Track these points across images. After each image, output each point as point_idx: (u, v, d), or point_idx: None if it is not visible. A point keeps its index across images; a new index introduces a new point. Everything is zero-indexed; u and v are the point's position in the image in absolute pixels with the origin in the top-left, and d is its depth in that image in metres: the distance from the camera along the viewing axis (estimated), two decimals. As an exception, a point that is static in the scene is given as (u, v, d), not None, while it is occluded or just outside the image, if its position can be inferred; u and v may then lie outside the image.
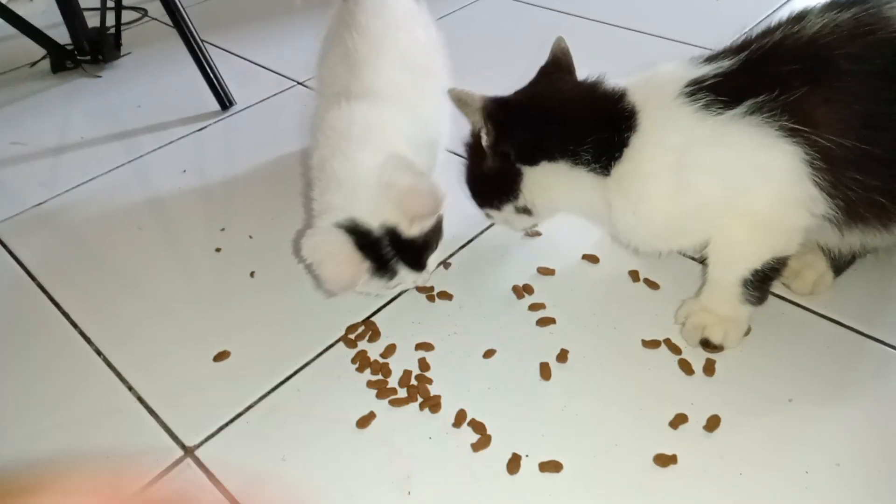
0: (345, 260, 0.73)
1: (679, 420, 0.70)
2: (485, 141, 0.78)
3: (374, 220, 0.74)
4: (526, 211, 0.81)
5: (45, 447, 0.74)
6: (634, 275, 0.87)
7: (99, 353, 0.84)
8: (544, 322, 0.82)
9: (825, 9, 0.68)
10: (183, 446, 0.73)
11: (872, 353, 0.75)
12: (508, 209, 0.81)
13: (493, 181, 0.80)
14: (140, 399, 0.78)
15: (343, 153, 0.77)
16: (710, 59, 0.72)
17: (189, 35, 1.26)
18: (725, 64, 0.69)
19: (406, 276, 0.77)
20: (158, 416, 0.76)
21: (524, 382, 0.76)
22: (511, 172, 0.78)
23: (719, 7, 1.48)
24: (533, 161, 0.76)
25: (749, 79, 0.67)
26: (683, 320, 0.78)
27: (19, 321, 0.90)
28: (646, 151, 0.70)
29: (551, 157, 0.75)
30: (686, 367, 0.75)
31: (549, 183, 0.77)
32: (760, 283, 0.73)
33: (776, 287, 0.81)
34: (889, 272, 0.83)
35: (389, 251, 0.75)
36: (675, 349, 0.77)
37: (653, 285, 0.85)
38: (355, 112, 0.80)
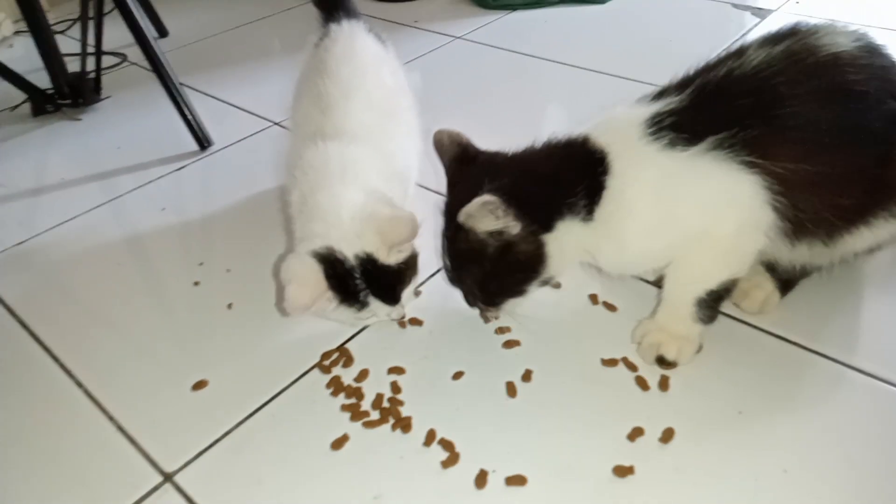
0: (307, 284, 0.77)
1: (636, 433, 0.74)
2: (514, 229, 0.74)
3: (350, 250, 0.78)
4: (546, 281, 0.82)
5: (21, 475, 0.76)
6: (594, 298, 0.92)
7: (80, 385, 0.86)
8: (510, 344, 0.86)
9: (761, 44, 0.75)
10: (162, 472, 0.75)
11: (817, 367, 0.80)
12: (533, 287, 0.81)
13: (521, 267, 0.78)
14: (120, 428, 0.80)
15: (323, 187, 0.82)
16: (658, 96, 0.78)
17: (167, 78, 1.31)
18: (675, 100, 0.75)
19: (379, 309, 0.81)
20: (138, 444, 0.78)
21: (491, 401, 0.79)
22: (539, 247, 0.77)
23: (670, 45, 1.57)
24: (550, 228, 0.76)
25: (704, 114, 0.73)
26: (640, 339, 0.83)
27: (0, 355, 0.92)
28: (626, 190, 0.74)
29: (561, 216, 0.76)
30: (642, 383, 0.79)
31: (563, 243, 0.77)
32: (713, 303, 0.78)
33: (727, 307, 0.87)
34: (830, 291, 0.89)
35: (360, 282, 0.79)
36: (632, 367, 0.81)
37: (610, 307, 0.90)
38: (331, 151, 0.85)
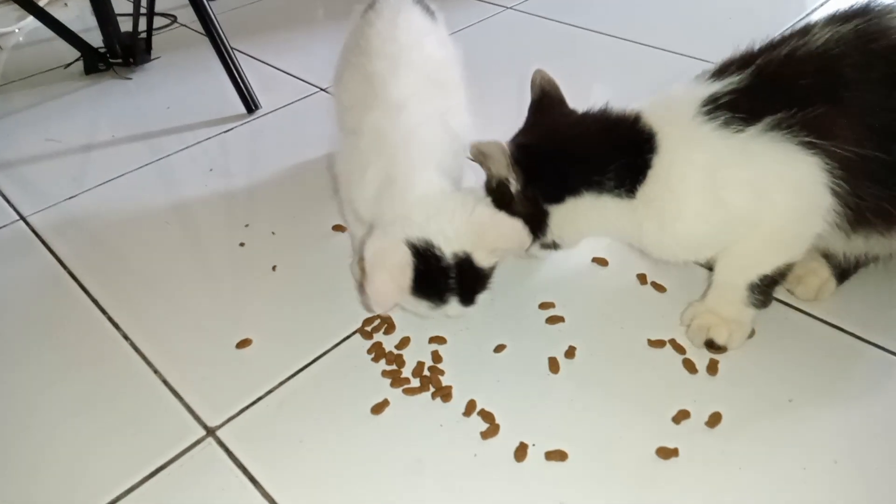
0: (397, 277, 0.72)
1: (681, 416, 0.72)
2: (514, 187, 0.78)
3: (448, 247, 0.74)
4: (552, 245, 0.82)
5: (69, 422, 0.78)
6: (642, 278, 0.90)
7: (127, 338, 0.88)
8: (553, 320, 0.85)
9: (827, 22, 0.71)
10: (205, 426, 0.76)
11: (871, 357, 0.78)
12: (535, 247, 0.82)
13: (530, 222, 0.77)
14: (165, 382, 0.82)
15: (405, 166, 0.78)
16: (717, 74, 0.75)
17: (219, 40, 1.31)
18: (735, 80, 0.72)
19: (453, 308, 0.77)
20: (182, 398, 0.79)
21: (533, 376, 0.79)
22: (538, 213, 0.78)
23: (730, 23, 1.52)
24: (559, 200, 0.77)
25: (764, 94, 0.70)
26: (689, 321, 0.81)
27: (51, 307, 0.94)
28: (673, 172, 0.72)
29: (576, 192, 0.76)
30: (690, 366, 0.78)
31: (575, 216, 0.78)
32: (766, 288, 0.76)
33: (780, 293, 0.84)
34: (888, 281, 0.85)
35: (452, 282, 0.75)
36: (680, 349, 0.80)
37: (660, 288, 0.88)
38: (400, 125, 0.81)
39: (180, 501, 0.69)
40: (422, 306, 0.77)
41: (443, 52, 0.93)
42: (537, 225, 0.79)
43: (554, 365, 0.79)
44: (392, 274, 0.72)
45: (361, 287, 0.70)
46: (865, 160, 0.67)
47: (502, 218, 0.76)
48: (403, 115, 0.82)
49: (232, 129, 1.31)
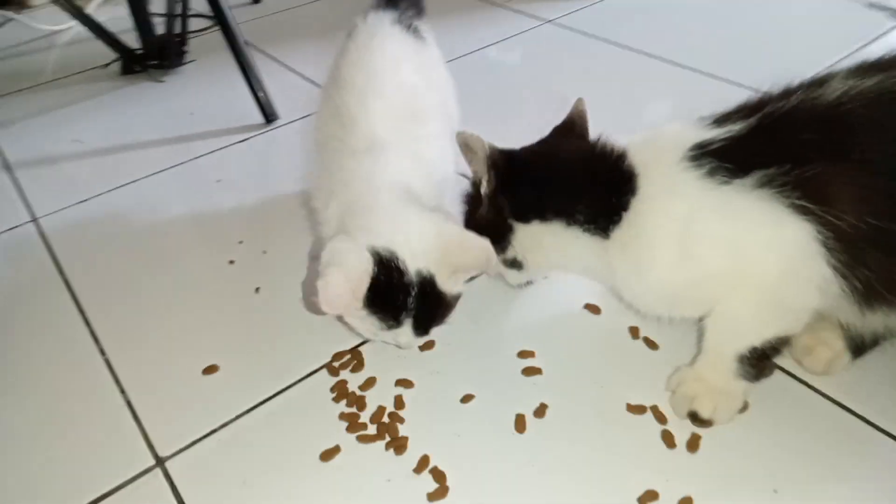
0: (353, 279, 0.68)
1: (649, 497, 0.66)
2: (484, 189, 0.76)
3: (413, 263, 0.70)
4: (516, 265, 0.78)
5: (26, 429, 0.78)
6: (634, 331, 0.83)
7: (103, 352, 0.87)
8: (530, 372, 0.79)
9: (850, 74, 0.63)
10: (156, 456, 0.74)
11: (881, 448, 0.69)
12: (502, 268, 0.79)
13: (484, 230, 0.75)
14: (129, 403, 0.80)
15: (377, 198, 0.75)
16: (720, 120, 0.68)
17: (237, 46, 1.30)
18: (736, 128, 0.65)
19: (404, 334, 0.73)
20: (141, 422, 0.78)
21: (496, 433, 0.73)
22: (503, 225, 0.75)
23: (790, 47, 1.40)
24: (525, 219, 0.74)
25: (760, 146, 0.63)
26: (674, 388, 0.74)
27: (38, 312, 0.95)
28: (649, 218, 0.67)
29: (543, 217, 0.73)
30: (669, 439, 0.71)
31: (540, 241, 0.74)
32: (757, 361, 0.68)
33: (786, 360, 0.76)
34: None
35: (411, 301, 0.71)
36: (661, 418, 0.73)
37: (652, 345, 0.81)
38: (369, 165, 0.78)
39: (114, 535, 0.68)
40: (372, 325, 0.72)
41: (418, 78, 0.88)
42: (499, 236, 0.75)
43: (521, 423, 0.74)
44: (348, 276, 0.68)
45: (314, 288, 0.67)
46: (874, 230, 0.58)
47: (470, 235, 0.73)
48: (370, 151, 0.78)
49: (247, 139, 1.30)
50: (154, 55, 1.55)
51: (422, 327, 0.73)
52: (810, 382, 0.75)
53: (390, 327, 0.72)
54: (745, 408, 0.72)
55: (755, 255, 0.63)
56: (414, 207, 0.75)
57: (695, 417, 0.71)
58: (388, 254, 0.70)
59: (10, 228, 1.12)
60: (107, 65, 1.59)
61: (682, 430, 0.71)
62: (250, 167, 1.23)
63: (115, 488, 0.72)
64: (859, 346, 0.75)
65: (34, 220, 1.13)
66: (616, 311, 0.85)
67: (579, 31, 1.58)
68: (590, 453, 0.70)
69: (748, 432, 0.71)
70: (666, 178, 0.66)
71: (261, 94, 1.32)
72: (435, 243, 0.71)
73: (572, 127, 0.78)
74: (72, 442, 0.77)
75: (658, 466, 0.68)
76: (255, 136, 1.31)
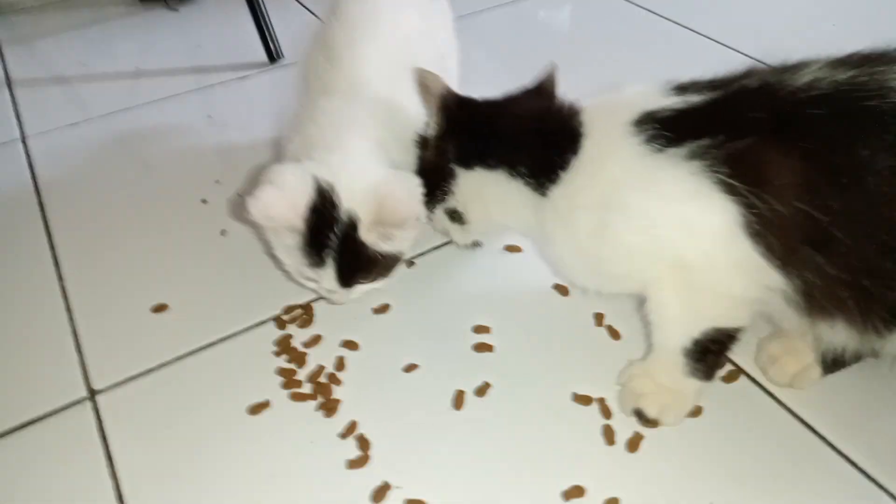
0: (288, 197, 0.67)
1: (574, 493, 0.62)
2: (430, 130, 0.73)
3: (346, 202, 0.68)
4: (457, 218, 0.74)
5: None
6: (599, 318, 0.78)
7: (61, 278, 0.87)
8: (481, 348, 0.75)
9: (829, 63, 0.57)
10: (90, 388, 0.73)
11: (838, 476, 0.63)
12: (440, 212, 0.75)
13: (427, 175, 0.72)
14: (74, 331, 0.80)
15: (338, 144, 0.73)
16: (684, 88, 0.62)
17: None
18: (694, 99, 0.60)
19: (326, 279, 0.71)
20: (82, 352, 0.77)
21: (432, 408, 0.70)
22: (445, 170, 0.71)
23: (830, 29, 1.29)
24: (467, 165, 0.70)
25: (705, 119, 0.58)
26: (624, 382, 0.69)
27: (6, 229, 0.95)
28: (579, 180, 0.63)
29: (486, 164, 0.68)
30: (609, 435, 0.67)
31: (481, 191, 0.70)
32: (702, 356, 0.63)
33: (752, 366, 0.71)
34: (887, 385, 0.69)
35: (332, 240, 0.69)
36: (607, 412, 0.69)
37: (614, 334, 0.76)
38: (339, 111, 0.75)
39: (32, 462, 0.67)
40: (297, 260, 0.70)
41: (420, 26, 0.83)
42: (441, 181, 0.72)
43: (459, 400, 0.70)
44: (287, 193, 0.67)
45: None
46: (807, 221, 0.53)
47: (402, 192, 0.69)
48: (347, 91, 0.74)
49: (248, 76, 1.27)
50: (172, -18, 1.52)
51: (345, 277, 0.70)
52: (775, 394, 0.70)
53: (312, 264, 0.70)
54: (697, 412, 0.68)
55: (671, 234, 0.58)
56: (370, 153, 0.72)
57: (640, 416, 0.67)
58: (327, 185, 0.68)
59: (-2, 144, 1.11)
60: (123, -11, 1.56)
61: (626, 427, 0.67)
62: (243, 106, 1.20)
63: (42, 416, 0.71)
64: (835, 361, 0.69)
65: (23, 139, 1.13)
66: (584, 295, 0.80)
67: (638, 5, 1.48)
68: (524, 440, 0.67)
69: (695, 438, 0.66)
70: (607, 141, 0.62)
71: (266, 30, 1.27)
72: (371, 191, 0.68)
73: (540, 89, 0.72)
74: (12, 363, 0.76)
75: (592, 463, 0.65)
76: (257, 74, 1.27)
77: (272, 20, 1.29)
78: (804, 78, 0.55)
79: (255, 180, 0.71)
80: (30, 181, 1.03)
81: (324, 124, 0.74)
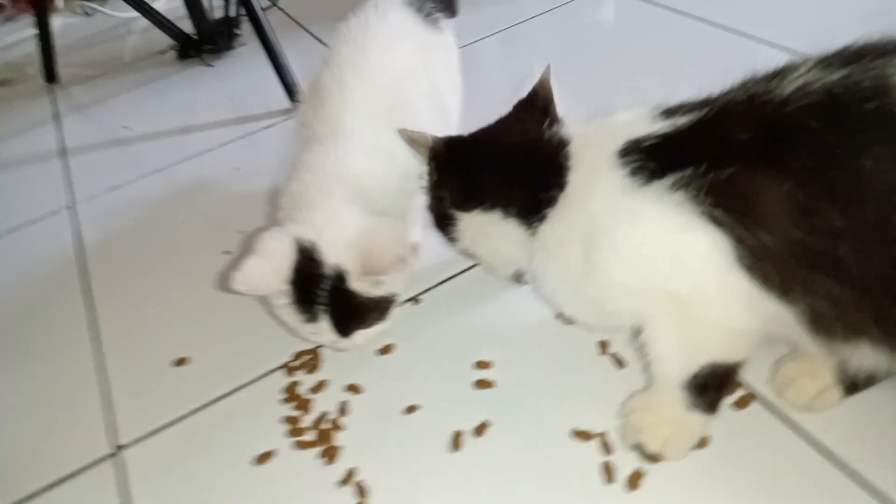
0: (270, 264, 0.69)
1: (569, 536, 0.60)
2: (426, 182, 0.73)
3: (331, 257, 0.70)
4: (476, 257, 0.75)
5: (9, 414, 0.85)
6: (603, 346, 0.75)
7: (98, 339, 0.93)
8: (482, 384, 0.74)
9: (818, 63, 0.52)
10: (116, 443, 0.78)
11: (861, 505, 0.58)
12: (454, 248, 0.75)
13: (437, 221, 0.73)
14: (108, 388, 0.85)
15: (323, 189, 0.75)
16: (671, 112, 0.59)
17: (262, 27, 1.31)
18: (680, 122, 0.57)
19: (325, 332, 0.72)
20: (113, 407, 0.82)
21: (430, 450, 0.70)
22: (447, 215, 0.71)
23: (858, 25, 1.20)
24: (464, 208, 0.69)
25: (689, 144, 0.55)
26: (626, 415, 0.67)
27: (47, 294, 1.03)
28: (566, 217, 0.61)
29: (482, 206, 0.67)
30: (609, 472, 0.64)
31: (483, 231, 0.69)
32: (703, 390, 0.60)
33: (766, 389, 0.66)
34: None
35: (322, 295, 0.70)
36: (608, 447, 0.66)
37: (619, 362, 0.74)
38: (326, 156, 0.77)
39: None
40: (295, 318, 0.72)
41: (416, 63, 0.83)
42: (445, 227, 0.72)
43: (457, 441, 0.70)
44: (269, 260, 0.69)
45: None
46: (803, 248, 0.49)
47: (388, 237, 0.70)
48: (330, 137, 0.76)
49: (273, 124, 1.31)
50: (207, 40, 1.60)
51: (342, 327, 0.71)
52: (790, 416, 0.65)
53: (308, 321, 0.71)
54: (703, 443, 0.64)
55: (661, 269, 0.55)
56: (352, 204, 0.73)
57: (642, 450, 0.64)
58: (309, 244, 0.70)
59: (49, 215, 1.21)
60: (163, 52, 1.66)
61: (627, 463, 0.64)
62: (270, 154, 1.24)
63: (69, 475, 0.76)
64: (855, 382, 0.63)
65: (72, 204, 1.21)
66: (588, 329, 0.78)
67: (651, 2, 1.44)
68: (521, 480, 0.65)
69: (702, 471, 0.62)
70: (593, 174, 0.59)
71: (286, 75, 1.32)
72: (354, 242, 0.69)
73: (534, 100, 0.70)
74: (46, 423, 0.83)
75: (589, 502, 0.62)
76: (282, 121, 1.32)
77: (294, 65, 1.33)
78: (792, 85, 0.51)
79: (244, 242, 0.74)
80: (71, 246, 1.11)
81: (306, 180, 0.76)
